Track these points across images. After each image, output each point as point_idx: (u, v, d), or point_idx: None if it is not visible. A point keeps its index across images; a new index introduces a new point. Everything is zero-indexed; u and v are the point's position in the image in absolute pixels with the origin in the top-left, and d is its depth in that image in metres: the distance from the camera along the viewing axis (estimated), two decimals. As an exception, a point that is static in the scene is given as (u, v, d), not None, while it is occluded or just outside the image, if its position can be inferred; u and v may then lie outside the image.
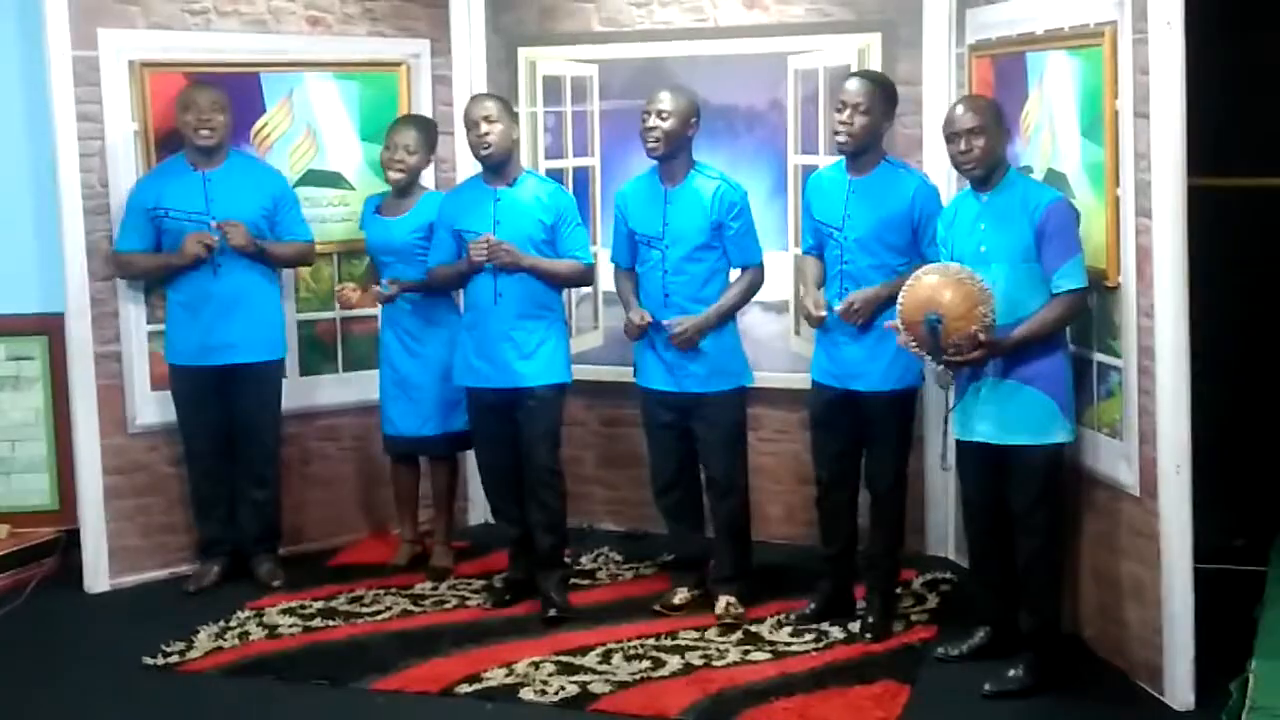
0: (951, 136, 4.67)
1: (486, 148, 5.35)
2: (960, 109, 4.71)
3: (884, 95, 5.03)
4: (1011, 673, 4.66)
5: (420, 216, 5.74)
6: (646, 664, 4.95)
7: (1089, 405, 4.81)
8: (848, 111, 4.98)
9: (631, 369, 5.53)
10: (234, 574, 5.89)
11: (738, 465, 5.42)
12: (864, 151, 5.03)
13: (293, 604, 5.60)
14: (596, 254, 5.71)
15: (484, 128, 5.33)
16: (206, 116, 5.62)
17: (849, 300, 5.01)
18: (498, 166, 5.41)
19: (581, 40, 6.47)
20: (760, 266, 5.37)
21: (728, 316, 5.32)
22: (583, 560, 6.05)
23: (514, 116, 5.53)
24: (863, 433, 5.14)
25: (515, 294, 5.35)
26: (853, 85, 5.03)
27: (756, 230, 5.37)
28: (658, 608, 5.45)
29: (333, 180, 6.27)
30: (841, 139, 5.01)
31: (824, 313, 5.07)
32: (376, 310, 6.00)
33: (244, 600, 5.64)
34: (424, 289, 5.75)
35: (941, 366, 4.61)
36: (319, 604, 5.61)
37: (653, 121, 5.23)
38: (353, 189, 6.26)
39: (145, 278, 5.82)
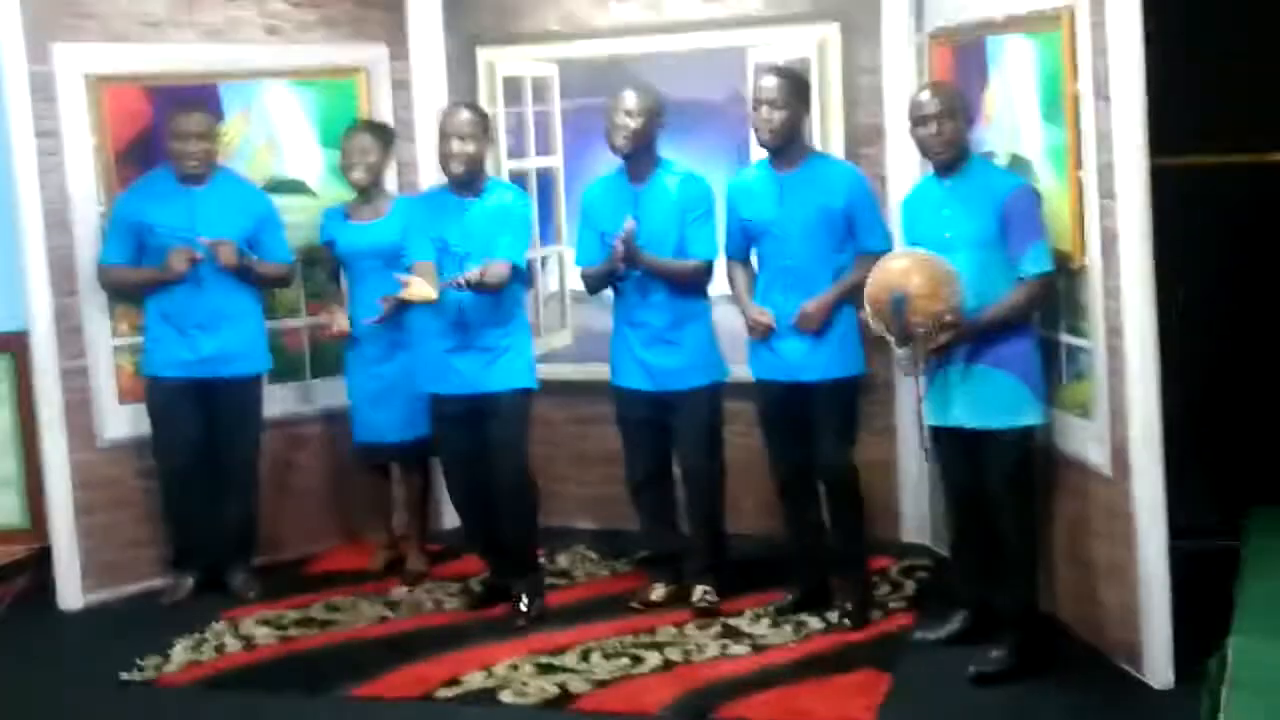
0: (920, 120, 4.70)
1: (457, 164, 5.21)
2: (926, 94, 4.75)
3: (797, 88, 5.07)
4: (994, 654, 4.68)
5: (399, 220, 5.64)
6: (625, 661, 4.95)
7: (1058, 387, 4.83)
8: (765, 108, 5.01)
9: (603, 365, 5.52)
10: (208, 586, 5.85)
11: (714, 459, 5.41)
12: (787, 145, 5.06)
13: (269, 614, 5.58)
14: (560, 255, 5.66)
15: (455, 145, 5.20)
16: (192, 148, 5.62)
17: (802, 311, 5.01)
18: (467, 180, 5.28)
19: (540, 40, 6.45)
20: (708, 263, 5.33)
21: (661, 272, 5.26)
22: (558, 559, 6.04)
23: (488, 132, 5.38)
24: (812, 423, 5.13)
25: (471, 299, 5.21)
26: (767, 82, 5.06)
27: (716, 228, 5.34)
28: (635, 604, 5.46)
29: (295, 188, 6.23)
30: (763, 135, 5.05)
31: (770, 319, 5.08)
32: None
33: (219, 612, 5.62)
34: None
35: (904, 349, 4.62)
36: (295, 613, 5.58)
37: (621, 120, 5.21)
38: (315, 196, 6.22)
39: (128, 291, 5.78)
